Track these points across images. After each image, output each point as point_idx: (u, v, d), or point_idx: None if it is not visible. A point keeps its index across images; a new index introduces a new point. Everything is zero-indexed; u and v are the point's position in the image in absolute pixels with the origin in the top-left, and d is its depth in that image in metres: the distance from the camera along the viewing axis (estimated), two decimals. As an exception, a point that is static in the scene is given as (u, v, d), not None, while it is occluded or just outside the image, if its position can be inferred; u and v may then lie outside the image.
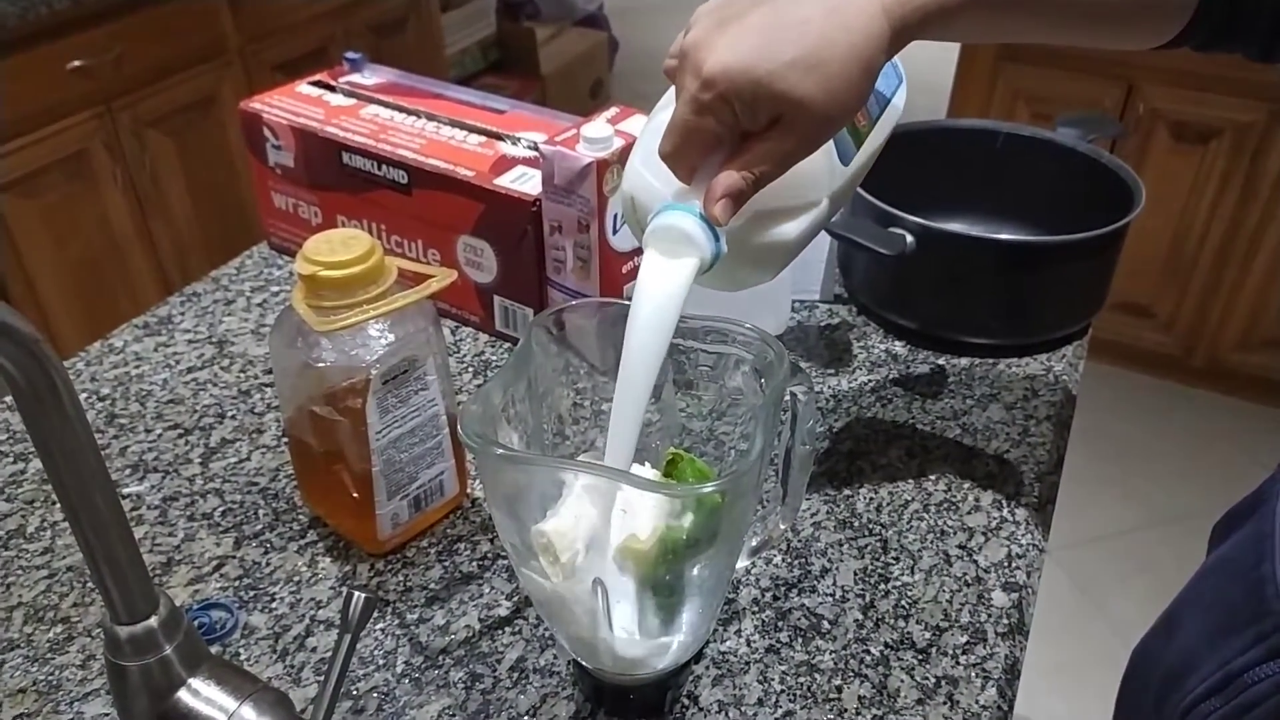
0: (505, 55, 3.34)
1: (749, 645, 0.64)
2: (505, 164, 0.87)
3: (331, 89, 1.01)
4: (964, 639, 0.64)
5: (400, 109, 0.97)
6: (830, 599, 0.67)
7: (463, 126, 0.94)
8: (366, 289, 0.61)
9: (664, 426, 0.62)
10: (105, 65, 1.85)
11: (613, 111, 0.83)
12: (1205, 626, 0.60)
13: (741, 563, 0.61)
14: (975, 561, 0.69)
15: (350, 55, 1.06)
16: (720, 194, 0.50)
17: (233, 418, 0.83)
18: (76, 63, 1.80)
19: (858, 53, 0.49)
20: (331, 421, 0.64)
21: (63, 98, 1.81)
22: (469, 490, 0.75)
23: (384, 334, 0.63)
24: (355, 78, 1.04)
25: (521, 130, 0.93)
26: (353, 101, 0.99)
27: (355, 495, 0.66)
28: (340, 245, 0.61)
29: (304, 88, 1.02)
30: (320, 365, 0.63)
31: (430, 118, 0.95)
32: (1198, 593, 0.65)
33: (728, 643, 0.64)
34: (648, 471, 0.59)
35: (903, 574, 0.68)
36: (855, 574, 0.68)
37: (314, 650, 0.63)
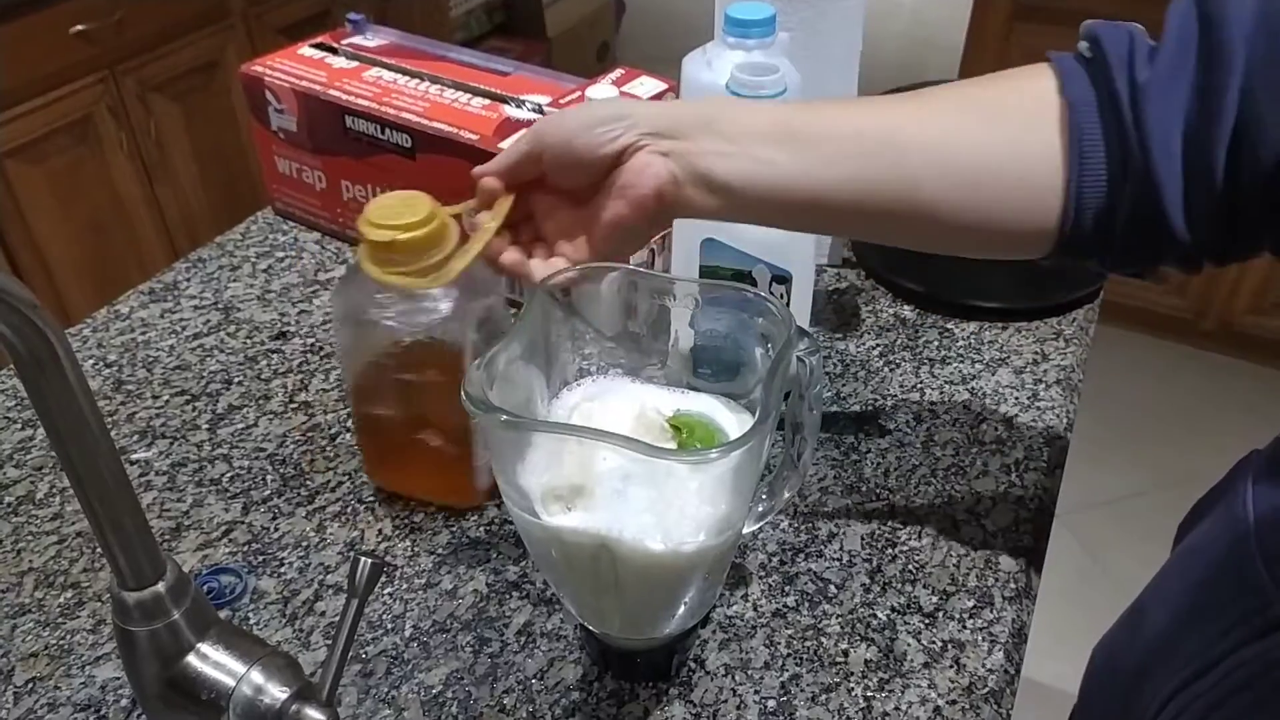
0: (511, 17, 3.30)
1: (756, 609, 0.64)
2: (510, 127, 0.86)
3: (334, 51, 1.00)
4: (971, 603, 0.64)
5: (404, 71, 0.96)
6: (837, 563, 0.67)
7: (467, 89, 0.92)
8: (440, 246, 0.60)
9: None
10: (107, 29, 1.83)
11: (618, 73, 0.82)
12: (1177, 614, 0.57)
13: (748, 528, 0.61)
14: (983, 526, 0.69)
15: (353, 17, 1.05)
16: None
17: (240, 384, 0.83)
18: (79, 27, 1.78)
19: None
20: (421, 383, 0.64)
21: (66, 62, 1.80)
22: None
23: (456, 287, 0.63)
24: (358, 40, 1.03)
25: (526, 93, 0.91)
26: (355, 64, 0.97)
27: (453, 452, 0.67)
28: (405, 208, 0.59)
29: (306, 50, 1.00)
30: (402, 330, 0.62)
31: (434, 80, 0.94)
32: (1164, 586, 0.62)
33: (735, 607, 0.64)
34: (709, 401, 0.59)
35: (910, 539, 0.68)
36: (862, 538, 0.68)
37: (323, 615, 0.64)
